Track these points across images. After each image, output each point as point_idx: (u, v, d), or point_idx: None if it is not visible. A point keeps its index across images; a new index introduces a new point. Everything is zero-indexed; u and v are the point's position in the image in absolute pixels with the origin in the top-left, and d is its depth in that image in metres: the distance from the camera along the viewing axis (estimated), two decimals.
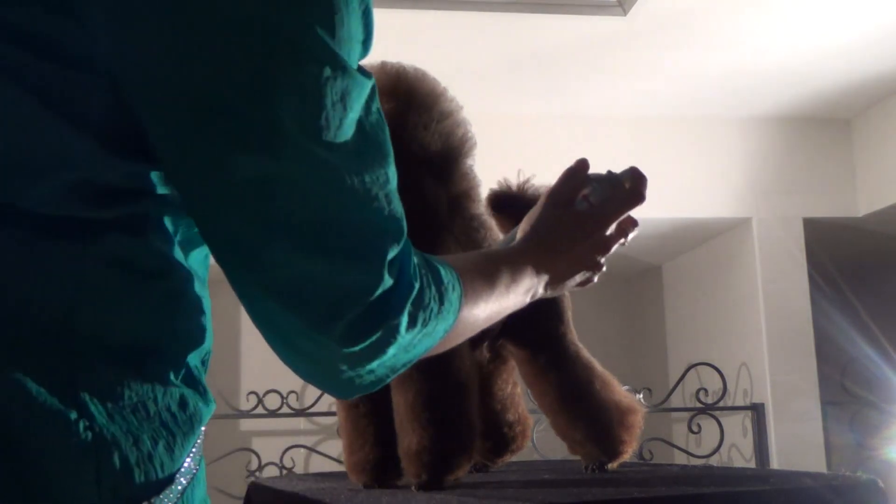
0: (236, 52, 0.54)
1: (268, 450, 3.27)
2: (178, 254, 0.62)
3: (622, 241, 0.96)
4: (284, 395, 3.21)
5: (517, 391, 1.51)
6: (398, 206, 0.63)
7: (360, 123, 0.60)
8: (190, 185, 0.57)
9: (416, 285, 0.65)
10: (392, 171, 0.62)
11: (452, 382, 1.21)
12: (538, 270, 0.87)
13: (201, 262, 0.67)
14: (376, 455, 1.30)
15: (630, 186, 0.94)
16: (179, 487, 0.58)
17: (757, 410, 3.35)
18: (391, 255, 0.61)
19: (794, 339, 3.37)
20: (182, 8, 0.53)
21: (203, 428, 0.62)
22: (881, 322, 3.53)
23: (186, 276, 0.62)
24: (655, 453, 3.23)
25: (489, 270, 0.81)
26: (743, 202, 3.45)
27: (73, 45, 0.54)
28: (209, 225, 0.59)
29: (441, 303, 0.69)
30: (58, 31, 0.54)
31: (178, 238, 0.62)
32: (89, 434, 0.52)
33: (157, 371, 0.58)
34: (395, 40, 2.56)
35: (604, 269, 0.95)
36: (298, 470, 3.32)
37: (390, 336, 0.63)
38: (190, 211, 0.59)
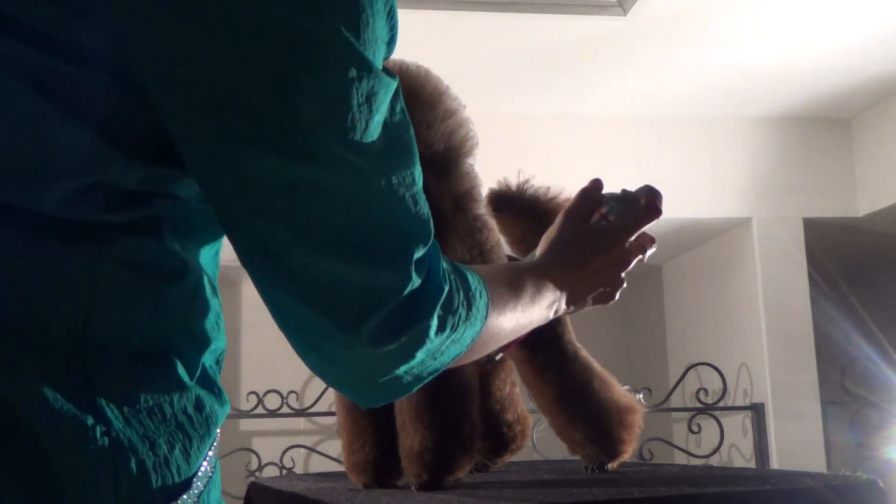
0: (259, 53, 0.53)
1: (268, 450, 3.27)
2: (190, 253, 0.61)
3: (641, 256, 0.96)
4: (284, 395, 3.21)
5: (516, 391, 1.51)
6: (425, 207, 0.62)
7: (386, 124, 0.59)
8: (215, 188, 0.56)
9: (446, 288, 0.64)
10: (418, 171, 0.62)
11: (456, 383, 1.21)
12: (559, 285, 0.87)
13: (211, 261, 0.66)
14: (376, 455, 1.31)
15: (646, 202, 0.95)
16: (196, 492, 0.57)
17: (757, 410, 3.34)
18: (418, 254, 0.60)
19: (794, 339, 3.37)
20: (204, 8, 0.52)
21: (218, 430, 0.61)
22: (881, 322, 3.53)
23: (199, 276, 0.62)
24: (655, 453, 3.22)
25: (513, 281, 0.80)
26: (743, 202, 3.45)
27: (89, 47, 0.53)
28: (235, 228, 0.58)
29: (469, 308, 0.68)
30: (72, 32, 0.53)
31: (189, 237, 0.61)
32: (106, 440, 0.52)
33: (172, 373, 0.57)
34: None
35: (624, 284, 0.95)
36: (298, 470, 3.32)
37: (420, 339, 0.62)
38: (216, 213, 0.58)
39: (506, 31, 2.70)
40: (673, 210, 3.50)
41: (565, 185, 1.56)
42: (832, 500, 1.00)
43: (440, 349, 0.65)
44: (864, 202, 3.48)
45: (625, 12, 2.58)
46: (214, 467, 0.61)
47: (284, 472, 3.18)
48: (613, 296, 0.96)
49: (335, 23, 0.55)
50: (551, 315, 0.88)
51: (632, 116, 3.39)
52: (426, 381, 0.67)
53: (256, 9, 0.53)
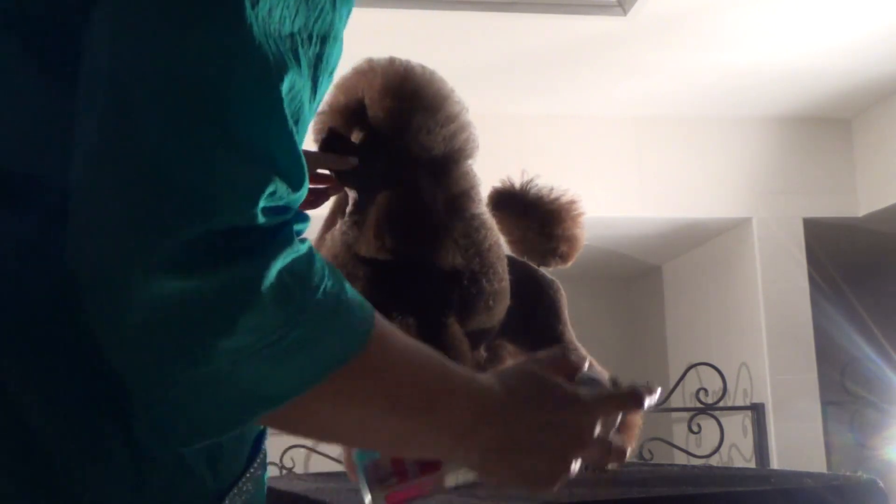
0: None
1: (268, 450, 3.26)
2: None
3: (593, 461, 0.68)
4: None
5: None
6: (297, 146, 0.51)
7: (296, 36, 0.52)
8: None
9: (302, 249, 0.50)
10: (307, 92, 0.53)
11: None
12: (491, 409, 0.61)
13: None
14: None
15: (629, 389, 0.69)
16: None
17: (757, 410, 3.34)
18: (271, 189, 0.48)
19: (794, 339, 3.37)
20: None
21: (265, 445, 0.59)
22: (881, 322, 3.53)
23: None
24: (655, 453, 3.22)
25: (440, 363, 0.60)
26: (743, 202, 3.44)
27: None
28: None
29: (337, 311, 0.51)
30: None
31: None
32: (129, 449, 0.52)
33: None
34: (395, 40, 2.56)
35: (566, 476, 0.64)
36: (298, 470, 3.32)
37: (244, 289, 0.46)
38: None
39: (506, 31, 2.70)
40: (673, 210, 3.51)
41: (565, 185, 1.56)
42: (832, 500, 1.00)
43: (279, 341, 0.48)
44: (864, 202, 3.48)
45: (625, 12, 2.58)
46: (258, 485, 0.59)
47: (284, 472, 3.18)
48: (543, 479, 0.64)
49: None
50: (446, 445, 0.61)
51: (632, 116, 3.39)
52: (254, 418, 0.54)
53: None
